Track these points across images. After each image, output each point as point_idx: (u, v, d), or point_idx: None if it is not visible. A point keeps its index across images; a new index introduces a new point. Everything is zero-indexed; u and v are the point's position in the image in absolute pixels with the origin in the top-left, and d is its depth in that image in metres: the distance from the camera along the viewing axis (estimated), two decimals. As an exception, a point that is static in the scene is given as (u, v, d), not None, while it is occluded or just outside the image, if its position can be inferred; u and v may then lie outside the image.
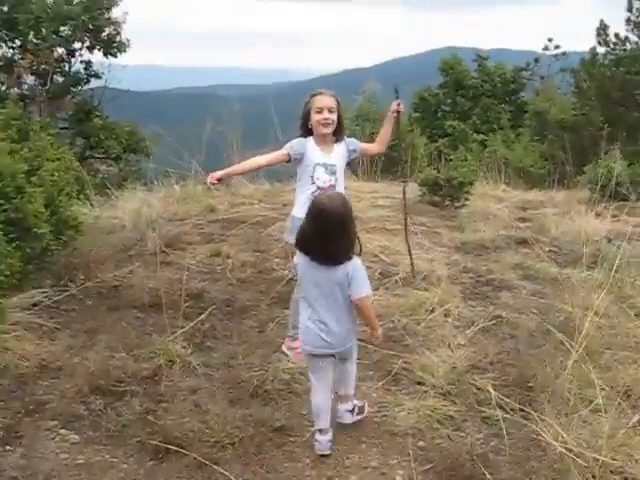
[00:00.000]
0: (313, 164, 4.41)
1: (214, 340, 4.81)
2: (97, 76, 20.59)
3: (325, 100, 4.38)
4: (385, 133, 4.87)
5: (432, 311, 5.40)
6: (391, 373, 4.47)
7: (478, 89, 28.85)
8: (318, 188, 4.40)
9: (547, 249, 7.86)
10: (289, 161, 4.45)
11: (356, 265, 3.53)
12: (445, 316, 5.39)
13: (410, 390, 4.29)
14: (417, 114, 28.62)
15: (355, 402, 3.94)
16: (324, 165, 4.42)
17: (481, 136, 25.39)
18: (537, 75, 30.36)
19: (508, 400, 4.13)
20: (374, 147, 4.90)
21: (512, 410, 4.09)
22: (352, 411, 3.91)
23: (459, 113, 29.02)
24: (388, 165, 16.04)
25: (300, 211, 4.31)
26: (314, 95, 4.43)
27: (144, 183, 11.45)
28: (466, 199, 9.24)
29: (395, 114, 4.87)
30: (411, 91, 30.40)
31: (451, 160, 14.21)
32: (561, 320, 5.59)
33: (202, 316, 4.94)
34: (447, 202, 9.24)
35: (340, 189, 4.44)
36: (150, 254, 6.37)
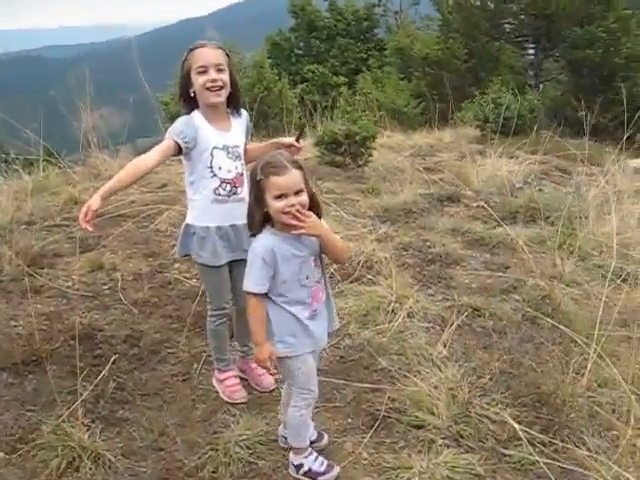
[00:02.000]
0: (209, 149, 3.15)
1: (127, 406, 3.46)
2: None
3: (209, 54, 3.10)
4: (258, 153, 3.30)
5: (393, 313, 4.30)
6: (377, 417, 3.33)
7: (332, 29, 27.70)
8: (222, 182, 3.18)
9: (474, 204, 6.97)
10: (180, 152, 3.14)
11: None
12: (409, 316, 4.31)
13: (410, 440, 3.18)
14: (271, 60, 27.15)
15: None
16: (224, 148, 3.18)
17: (342, 78, 24.47)
18: (390, 11, 29.59)
19: (533, 433, 3.14)
20: (251, 148, 3.43)
21: (542, 445, 3.11)
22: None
23: (314, 56, 27.84)
24: (258, 119, 14.79)
25: (200, 218, 3.18)
26: (192, 49, 3.13)
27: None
28: (370, 155, 8.16)
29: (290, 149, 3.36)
30: (252, 36, 28.96)
31: (326, 108, 13.17)
32: (537, 298, 4.66)
33: (103, 371, 3.56)
34: (348, 160, 8.12)
35: (246, 183, 3.19)
36: (10, 280, 4.85)
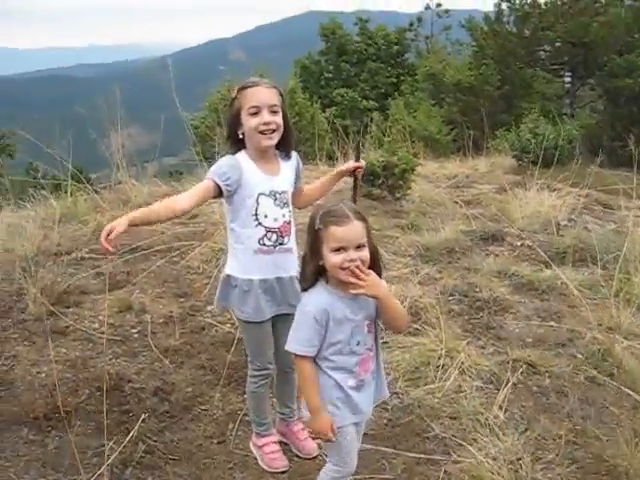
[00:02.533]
0: (255, 195, 2.86)
1: (157, 473, 3.15)
2: None
3: (263, 94, 2.82)
4: (325, 185, 3.23)
5: (443, 368, 3.98)
6: (434, 497, 3.01)
7: (362, 53, 27.54)
8: (268, 231, 2.88)
9: (519, 243, 6.63)
10: (221, 195, 2.86)
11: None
12: (460, 373, 3.98)
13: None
14: (300, 83, 27.03)
15: None
16: (271, 194, 2.89)
17: (371, 103, 24.26)
18: (421, 35, 29.38)
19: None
20: (308, 190, 3.20)
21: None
22: None
23: (344, 80, 27.68)
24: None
25: (243, 269, 2.90)
26: (245, 88, 2.84)
27: (8, 198, 9.23)
28: (408, 187, 7.85)
29: (352, 176, 3.17)
30: (277, 59, 28.91)
31: (358, 133, 12.93)
32: (595, 353, 4.31)
33: (132, 431, 3.27)
34: (385, 193, 7.82)
35: (294, 231, 2.99)
36: (34, 320, 4.60)
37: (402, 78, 25.44)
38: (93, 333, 4.45)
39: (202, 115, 16.66)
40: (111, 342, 4.36)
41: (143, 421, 3.43)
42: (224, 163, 2.86)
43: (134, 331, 4.50)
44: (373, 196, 7.77)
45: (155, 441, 3.36)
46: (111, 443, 3.24)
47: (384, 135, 13.35)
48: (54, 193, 7.96)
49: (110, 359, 4.15)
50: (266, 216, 2.86)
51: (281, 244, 2.91)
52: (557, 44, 19.12)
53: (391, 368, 3.98)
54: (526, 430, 3.44)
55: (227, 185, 2.81)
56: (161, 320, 4.63)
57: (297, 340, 2.47)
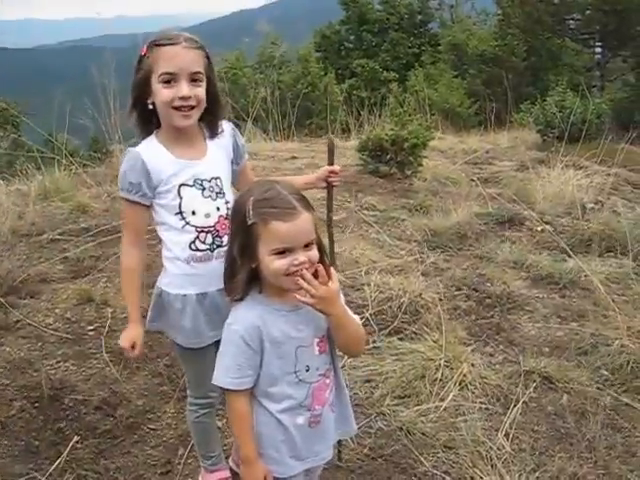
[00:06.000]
0: (174, 188, 2.22)
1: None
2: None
3: (182, 57, 2.14)
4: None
5: (441, 382, 3.37)
6: None
7: (384, 23, 26.56)
8: (199, 231, 2.24)
9: (539, 229, 5.96)
10: (149, 206, 2.25)
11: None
12: (462, 388, 3.37)
13: None
14: (319, 54, 26.18)
15: None
16: (196, 183, 2.24)
17: (392, 74, 23.42)
18: (445, 4, 28.29)
19: None
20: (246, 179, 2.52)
21: None
22: None
23: (365, 50, 26.77)
24: (301, 118, 13.91)
25: (175, 283, 2.28)
26: (158, 44, 2.15)
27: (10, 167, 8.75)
28: (419, 164, 7.19)
29: (326, 184, 2.62)
30: (306, 30, 28.12)
31: (374, 105, 12.28)
32: (624, 367, 3.68)
33: (61, 456, 2.71)
34: (394, 170, 7.16)
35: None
36: (-18, 312, 4.06)
37: (424, 49, 24.48)
38: (45, 330, 3.90)
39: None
40: (62, 341, 3.80)
41: (78, 442, 2.89)
42: (125, 169, 2.21)
43: (90, 328, 3.94)
44: (380, 173, 7.11)
45: (87, 470, 2.80)
46: (36, 472, 2.71)
47: (402, 107, 12.68)
48: (46, 167, 7.41)
49: (57, 362, 3.60)
50: (194, 212, 2.22)
51: (220, 246, 2.26)
52: (587, 12, 18.10)
53: (379, 381, 3.39)
54: (537, 467, 2.82)
55: (141, 196, 2.20)
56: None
57: (224, 371, 1.88)
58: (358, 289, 4.38)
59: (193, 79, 2.15)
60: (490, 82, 18.28)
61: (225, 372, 1.87)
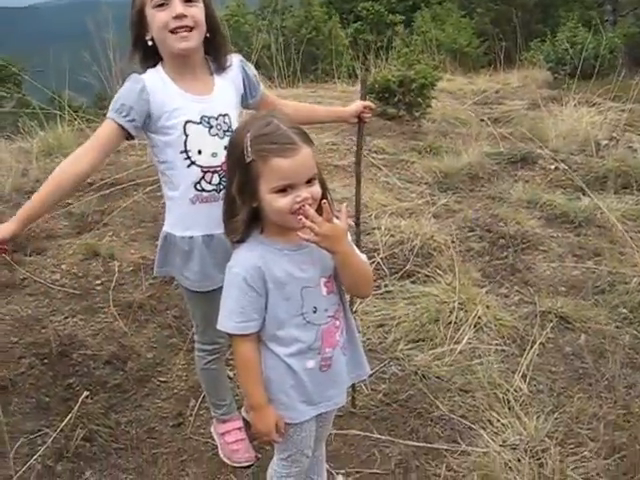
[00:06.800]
0: (180, 124, 2.08)
1: (97, 466, 2.56)
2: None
3: None
4: (314, 116, 2.55)
5: (455, 325, 3.29)
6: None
7: (389, -37, 25.81)
8: (205, 171, 2.11)
9: (552, 167, 5.82)
10: (130, 137, 2.10)
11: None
12: (477, 330, 3.30)
13: None
14: (323, -2, 25.59)
15: None
16: (204, 121, 2.11)
17: (398, 16, 22.87)
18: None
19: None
20: (286, 108, 2.38)
21: None
22: None
23: (369, -8, 26.10)
24: (306, 63, 13.62)
25: (180, 224, 2.18)
26: None
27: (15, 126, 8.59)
28: (428, 105, 7.01)
29: (357, 119, 2.54)
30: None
31: (380, 49, 11.99)
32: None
33: (72, 412, 2.67)
34: (402, 112, 6.99)
35: None
36: (-13, 269, 4.00)
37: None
38: (52, 286, 3.84)
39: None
40: (69, 297, 3.74)
41: (88, 397, 2.84)
42: (122, 90, 2.08)
43: (97, 282, 3.87)
44: (388, 115, 6.95)
45: (98, 425, 2.75)
46: (48, 427, 2.68)
47: (408, 49, 12.39)
48: (49, 125, 7.28)
49: (65, 317, 3.54)
50: (200, 152, 2.09)
51: None
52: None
53: (392, 325, 3.32)
54: (555, 409, 2.76)
55: (129, 120, 2.04)
56: (130, 268, 3.99)
57: (227, 315, 1.80)
58: (369, 233, 4.28)
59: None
60: (499, 21, 17.80)
61: (229, 316, 1.80)
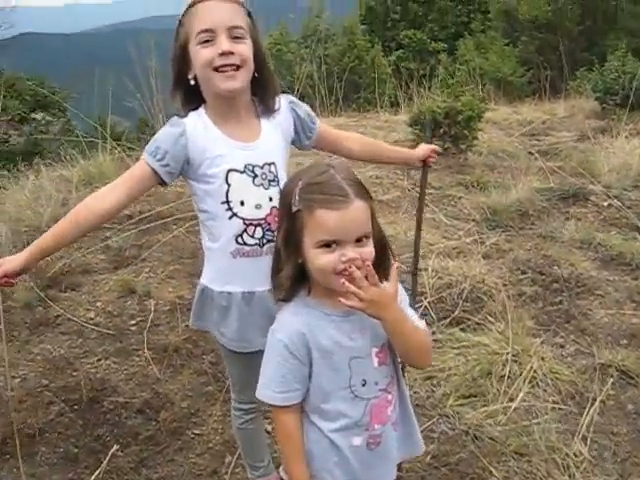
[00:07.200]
0: (222, 173, 1.92)
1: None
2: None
3: (218, 11, 1.86)
4: (381, 154, 2.36)
5: (509, 380, 3.08)
6: None
7: (431, -9, 25.78)
8: (247, 224, 1.94)
9: (605, 204, 5.56)
10: (163, 183, 1.93)
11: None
12: (532, 385, 3.08)
13: None
14: (364, 26, 25.59)
15: None
16: (247, 169, 1.93)
17: (441, 44, 22.77)
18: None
19: None
20: (351, 143, 2.21)
21: None
22: None
23: (411, 21, 26.05)
24: (349, 92, 13.54)
25: (219, 279, 2.00)
26: (191, 4, 1.89)
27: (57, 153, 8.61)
28: (474, 138, 6.81)
29: (422, 163, 2.41)
30: (352, 2, 27.44)
31: (423, 77, 11.85)
32: None
33: (101, 466, 2.52)
34: (448, 144, 6.81)
35: None
36: (22, 307, 3.91)
37: (473, 16, 23.69)
38: (86, 325, 3.72)
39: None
40: (103, 337, 3.62)
41: (118, 450, 2.69)
42: (161, 132, 1.93)
43: (132, 322, 3.75)
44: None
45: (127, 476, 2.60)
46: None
47: (452, 78, 12.23)
48: (91, 152, 7.26)
49: (98, 360, 3.42)
50: (243, 203, 1.92)
51: (271, 240, 1.95)
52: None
53: (441, 378, 3.11)
54: (620, 478, 2.53)
55: (163, 165, 1.88)
56: (167, 308, 3.86)
57: (267, 383, 1.63)
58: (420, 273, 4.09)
59: (234, 36, 1.85)
60: (543, 49, 17.55)
61: (268, 384, 1.63)
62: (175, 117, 1.95)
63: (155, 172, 1.89)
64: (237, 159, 1.92)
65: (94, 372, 3.30)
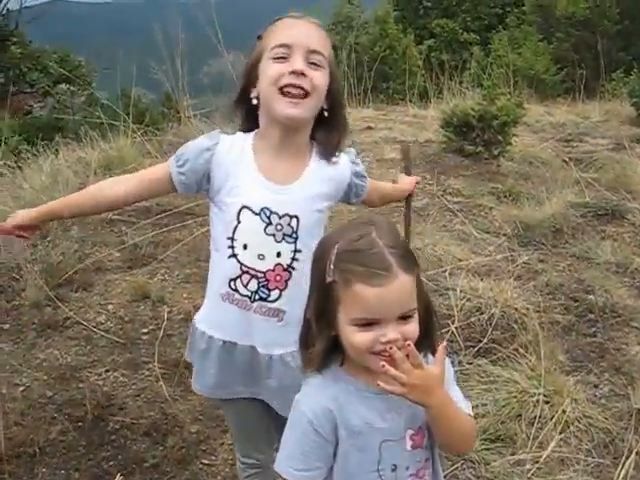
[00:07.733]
0: (237, 205, 1.73)
1: None
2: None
3: (300, 30, 1.69)
4: (389, 197, 2.23)
5: (539, 424, 2.88)
6: None
7: (465, -20, 25.33)
8: (244, 271, 1.73)
9: (641, 223, 5.31)
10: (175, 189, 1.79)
11: None
12: (563, 430, 2.88)
13: None
14: (397, 13, 25.19)
15: None
16: (264, 213, 1.72)
17: (473, 36, 22.40)
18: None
19: None
20: (374, 196, 2.02)
21: None
22: None
23: (444, 10, 25.63)
24: (377, 82, 13.28)
25: (205, 317, 1.85)
26: (275, 20, 1.73)
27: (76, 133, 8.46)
28: (508, 143, 6.56)
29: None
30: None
31: (455, 69, 11.59)
32: None
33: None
34: (480, 149, 6.56)
35: (301, 284, 1.67)
36: (30, 307, 3.75)
37: (508, 9, 23.23)
38: (95, 330, 3.57)
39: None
40: (113, 345, 3.46)
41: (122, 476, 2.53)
42: (199, 139, 1.77)
43: (144, 331, 3.58)
44: (465, 152, 6.53)
45: (129, 517, 2.45)
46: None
47: (484, 73, 11.92)
48: (112, 131, 7.09)
49: (105, 371, 3.26)
50: (245, 246, 1.73)
51: (263, 300, 1.74)
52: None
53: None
54: None
55: (180, 174, 1.74)
56: (180, 316, 3.69)
57: (285, 458, 1.44)
58: (442, 294, 3.90)
59: (311, 61, 1.66)
60: (579, 47, 17.16)
61: (287, 460, 1.45)
62: (215, 131, 1.80)
63: (172, 179, 1.76)
64: (256, 198, 1.72)
65: (101, 385, 3.15)
